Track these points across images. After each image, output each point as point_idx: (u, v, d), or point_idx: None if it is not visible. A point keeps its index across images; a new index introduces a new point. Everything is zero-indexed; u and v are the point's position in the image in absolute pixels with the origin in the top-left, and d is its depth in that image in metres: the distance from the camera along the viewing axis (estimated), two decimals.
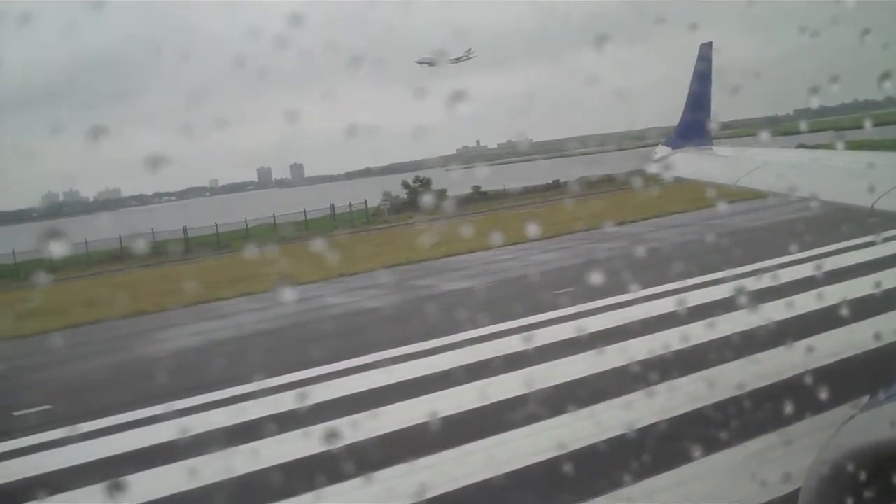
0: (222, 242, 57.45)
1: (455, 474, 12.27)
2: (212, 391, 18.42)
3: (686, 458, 11.29)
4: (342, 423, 14.62)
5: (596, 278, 22.65)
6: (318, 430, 13.57)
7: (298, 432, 14.23)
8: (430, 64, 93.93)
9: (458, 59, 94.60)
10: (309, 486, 11.89)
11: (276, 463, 13.15)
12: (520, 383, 15.96)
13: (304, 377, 18.81)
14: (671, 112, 18.05)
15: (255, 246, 45.63)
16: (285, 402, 15.86)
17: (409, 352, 20.25)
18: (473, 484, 11.97)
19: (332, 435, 13.46)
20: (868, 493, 3.89)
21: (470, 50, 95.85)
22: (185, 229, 59.78)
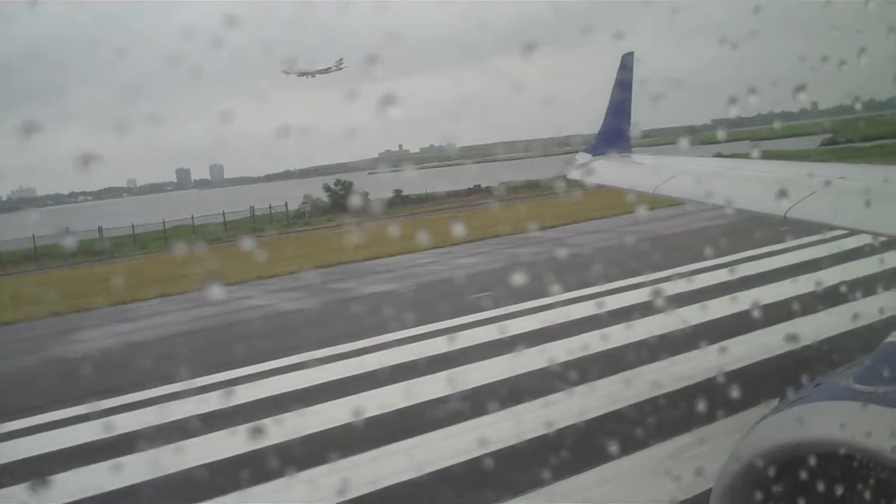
0: (139, 243, 56.35)
1: (377, 474, 12.29)
2: (124, 393, 18.19)
3: (607, 458, 11.56)
4: (264, 423, 14.63)
5: (515, 282, 22.90)
6: (242, 429, 13.60)
7: (223, 432, 14.23)
8: (297, 74, 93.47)
9: (326, 70, 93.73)
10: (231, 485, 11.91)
11: (198, 463, 13.03)
12: (443, 384, 16.11)
13: (223, 378, 18.67)
14: (597, 119, 18.31)
15: (173, 247, 44.90)
16: (209, 402, 15.94)
17: (329, 354, 20.15)
18: (396, 484, 12.03)
19: (256, 432, 13.46)
20: (777, 489, 4.09)
21: (340, 61, 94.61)
22: (100, 229, 58.41)
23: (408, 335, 20.86)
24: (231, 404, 16.06)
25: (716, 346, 16.24)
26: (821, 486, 3.93)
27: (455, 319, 22.49)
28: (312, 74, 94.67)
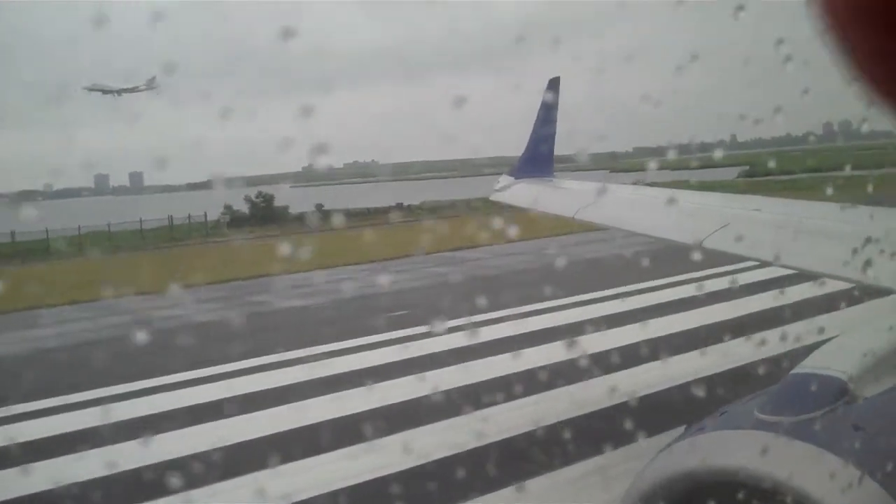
0: (52, 249, 54.76)
1: None
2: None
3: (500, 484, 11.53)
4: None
5: (429, 302, 22.99)
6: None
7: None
8: (103, 91, 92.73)
9: (134, 89, 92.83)
10: None
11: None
12: (335, 406, 16.24)
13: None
14: (525, 141, 18.39)
15: (87, 253, 43.95)
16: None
17: (236, 368, 19.96)
18: None
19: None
20: None
21: (153, 79, 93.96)
22: (13, 233, 56.61)
23: (320, 351, 20.76)
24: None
25: (620, 374, 16.46)
26: None
27: (365, 338, 22.45)
28: (118, 93, 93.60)
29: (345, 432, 14.32)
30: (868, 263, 5.20)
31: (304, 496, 12.25)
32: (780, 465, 3.76)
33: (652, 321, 20.44)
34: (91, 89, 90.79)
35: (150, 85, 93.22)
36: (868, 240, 5.23)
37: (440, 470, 12.61)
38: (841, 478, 3.69)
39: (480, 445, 13.19)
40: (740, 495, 3.92)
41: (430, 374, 17.73)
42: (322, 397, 17.14)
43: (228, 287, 35.40)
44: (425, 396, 15.98)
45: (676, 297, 23.36)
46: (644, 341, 17.60)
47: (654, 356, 16.56)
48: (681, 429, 4.56)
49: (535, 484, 11.86)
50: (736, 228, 9.02)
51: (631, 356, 16.39)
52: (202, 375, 20.11)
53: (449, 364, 17.33)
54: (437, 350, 18.47)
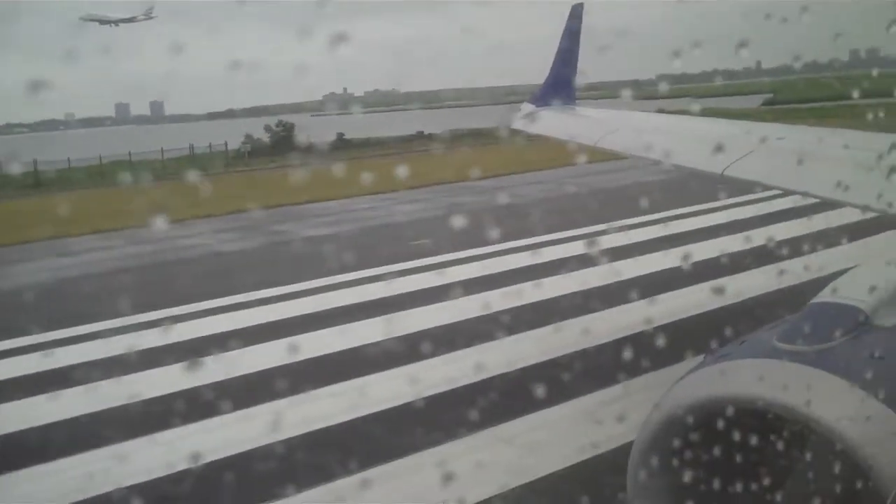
0: (75, 179, 54.97)
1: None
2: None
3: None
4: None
5: (449, 231, 23.09)
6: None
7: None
8: (100, 21, 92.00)
9: (132, 19, 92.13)
10: None
11: None
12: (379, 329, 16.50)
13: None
14: (548, 68, 18.23)
15: (110, 182, 44.09)
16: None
17: (265, 296, 20.12)
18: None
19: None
20: (695, 440, 4.19)
21: (151, 9, 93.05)
22: (35, 162, 56.75)
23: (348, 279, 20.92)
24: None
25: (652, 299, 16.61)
26: (737, 437, 4.02)
27: (394, 265, 22.58)
28: (115, 23, 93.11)
29: None
30: (884, 192, 5.19)
31: None
32: (798, 393, 3.81)
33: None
34: (87, 19, 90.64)
35: (148, 15, 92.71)
36: (892, 169, 5.21)
37: None
38: (859, 406, 3.74)
39: None
40: (759, 422, 3.99)
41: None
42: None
43: (264, 214, 35.51)
44: None
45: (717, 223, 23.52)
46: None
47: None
48: (700, 357, 4.62)
49: None
50: (758, 157, 8.96)
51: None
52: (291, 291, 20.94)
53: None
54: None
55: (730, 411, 3.97)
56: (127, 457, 11.25)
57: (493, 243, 22.80)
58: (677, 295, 16.63)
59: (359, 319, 17.61)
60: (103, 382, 13.76)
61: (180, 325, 17.97)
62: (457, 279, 20.29)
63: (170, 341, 16.47)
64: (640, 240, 21.57)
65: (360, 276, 20.95)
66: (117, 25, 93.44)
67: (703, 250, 18.94)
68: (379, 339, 15.86)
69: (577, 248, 21.04)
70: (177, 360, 14.37)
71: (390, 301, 18.67)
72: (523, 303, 16.98)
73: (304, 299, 19.88)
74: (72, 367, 14.78)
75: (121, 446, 11.52)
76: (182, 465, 10.49)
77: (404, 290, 19.45)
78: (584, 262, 19.18)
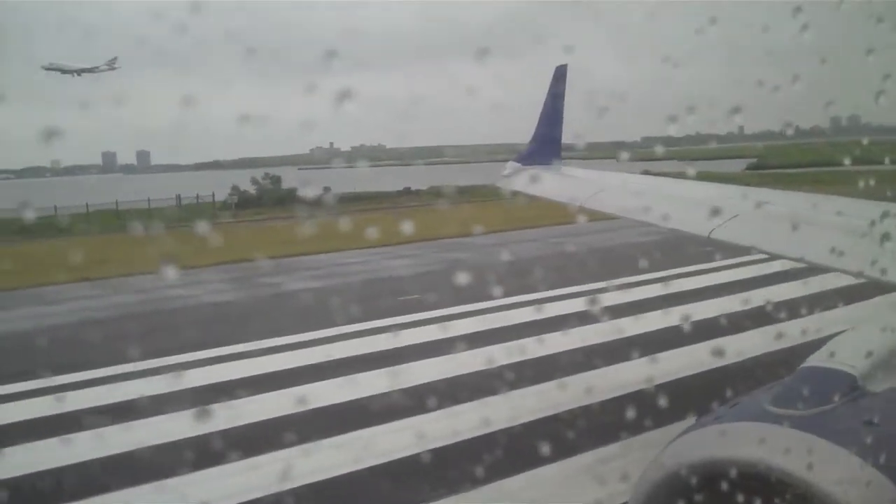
0: (61, 226, 54.63)
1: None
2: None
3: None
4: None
5: (437, 289, 23.05)
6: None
7: None
8: (62, 71, 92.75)
9: (93, 69, 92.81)
10: None
11: None
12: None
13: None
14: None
15: (96, 231, 44.00)
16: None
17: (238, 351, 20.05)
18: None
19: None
20: (690, 499, 4.13)
21: (114, 60, 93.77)
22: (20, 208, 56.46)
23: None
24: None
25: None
26: (737, 500, 3.99)
27: (382, 320, 22.47)
28: (77, 73, 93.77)
29: None
30: (877, 259, 5.19)
31: None
32: (789, 457, 3.79)
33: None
34: (49, 68, 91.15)
35: (111, 66, 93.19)
36: (881, 235, 5.21)
37: None
38: (851, 472, 3.71)
39: None
40: (750, 487, 3.94)
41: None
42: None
43: (246, 267, 35.47)
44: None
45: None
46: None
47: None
48: (692, 420, 4.58)
49: None
50: (745, 220, 8.98)
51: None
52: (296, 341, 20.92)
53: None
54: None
55: (721, 475, 3.93)
56: None
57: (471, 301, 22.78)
58: (619, 369, 16.36)
59: (334, 377, 17.49)
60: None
61: (141, 381, 17.14)
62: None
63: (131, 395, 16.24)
64: (610, 304, 21.66)
65: (341, 332, 20.94)
66: (79, 75, 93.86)
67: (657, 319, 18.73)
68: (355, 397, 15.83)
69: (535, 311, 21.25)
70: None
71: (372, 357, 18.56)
72: (511, 361, 16.86)
73: (281, 355, 19.75)
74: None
75: None
76: None
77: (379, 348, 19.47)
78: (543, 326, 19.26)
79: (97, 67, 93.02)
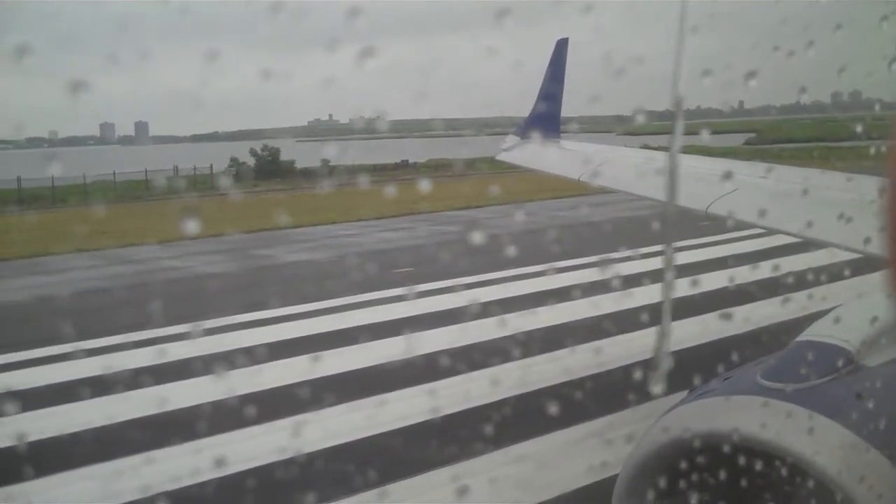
0: (57, 197, 54.63)
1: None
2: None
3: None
4: None
5: (434, 260, 23.01)
6: None
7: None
8: None
9: None
10: None
11: None
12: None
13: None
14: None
15: (94, 203, 43.91)
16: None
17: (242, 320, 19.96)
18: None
19: None
20: (682, 475, 4.18)
21: None
22: (18, 179, 56.36)
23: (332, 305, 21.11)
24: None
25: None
26: (723, 475, 4.07)
27: (377, 293, 22.43)
28: None
29: None
30: (872, 235, 5.19)
31: None
32: (781, 431, 3.84)
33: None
34: None
35: None
36: (874, 209, 5.21)
37: None
38: (841, 445, 3.76)
39: None
40: (741, 459, 3.99)
41: None
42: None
43: (250, 238, 35.39)
44: None
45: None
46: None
47: None
48: (684, 392, 4.62)
49: None
50: (742, 195, 8.99)
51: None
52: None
53: None
54: None
55: (713, 448, 4.00)
56: None
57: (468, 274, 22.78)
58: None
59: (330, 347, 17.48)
60: None
61: (142, 350, 17.13)
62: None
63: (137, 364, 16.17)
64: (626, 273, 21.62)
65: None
66: None
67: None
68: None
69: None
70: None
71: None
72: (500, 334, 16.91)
73: (275, 326, 19.75)
74: None
75: None
76: None
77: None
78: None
79: None
